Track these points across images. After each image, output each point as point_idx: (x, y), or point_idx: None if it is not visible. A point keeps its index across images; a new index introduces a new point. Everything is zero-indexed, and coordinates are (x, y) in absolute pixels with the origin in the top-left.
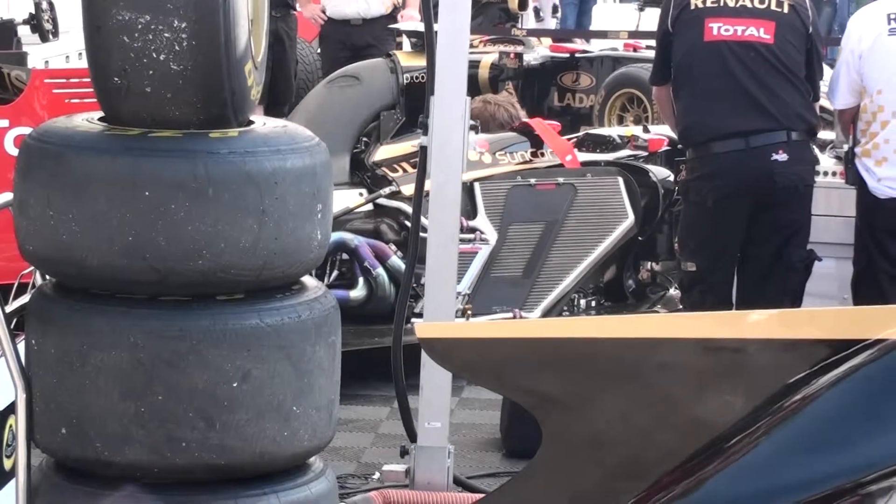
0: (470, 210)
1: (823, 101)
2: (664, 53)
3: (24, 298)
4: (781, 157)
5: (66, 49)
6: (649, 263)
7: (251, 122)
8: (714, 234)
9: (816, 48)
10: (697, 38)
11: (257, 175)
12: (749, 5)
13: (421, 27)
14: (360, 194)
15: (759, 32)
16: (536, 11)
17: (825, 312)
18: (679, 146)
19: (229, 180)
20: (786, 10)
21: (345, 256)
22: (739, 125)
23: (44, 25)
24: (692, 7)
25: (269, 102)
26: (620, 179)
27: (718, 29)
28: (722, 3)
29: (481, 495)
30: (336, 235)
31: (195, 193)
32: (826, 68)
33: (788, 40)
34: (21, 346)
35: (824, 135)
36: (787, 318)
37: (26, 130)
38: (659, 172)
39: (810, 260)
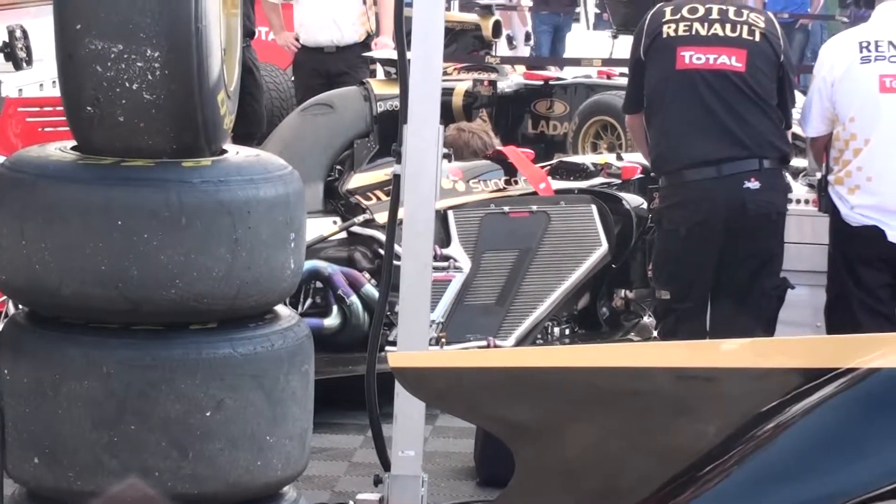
0: (444, 238)
1: (796, 129)
2: (637, 81)
3: None
4: (753, 185)
5: (40, 77)
6: (623, 291)
7: (224, 151)
8: (687, 262)
9: (788, 76)
10: (670, 67)
11: (230, 204)
12: (721, 34)
13: (394, 55)
14: (334, 222)
15: (731, 61)
16: (510, 39)
17: (798, 341)
18: (652, 174)
19: (202, 209)
20: (757, 38)
21: (319, 285)
22: (712, 153)
23: (17, 53)
24: (664, 35)
25: (240, 132)
26: (594, 207)
27: (690, 57)
28: (694, 32)
29: None
30: (310, 264)
31: (168, 222)
32: (799, 95)
33: (760, 68)
34: None
35: (797, 162)
36: (759, 347)
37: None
38: (632, 200)
39: (783, 288)
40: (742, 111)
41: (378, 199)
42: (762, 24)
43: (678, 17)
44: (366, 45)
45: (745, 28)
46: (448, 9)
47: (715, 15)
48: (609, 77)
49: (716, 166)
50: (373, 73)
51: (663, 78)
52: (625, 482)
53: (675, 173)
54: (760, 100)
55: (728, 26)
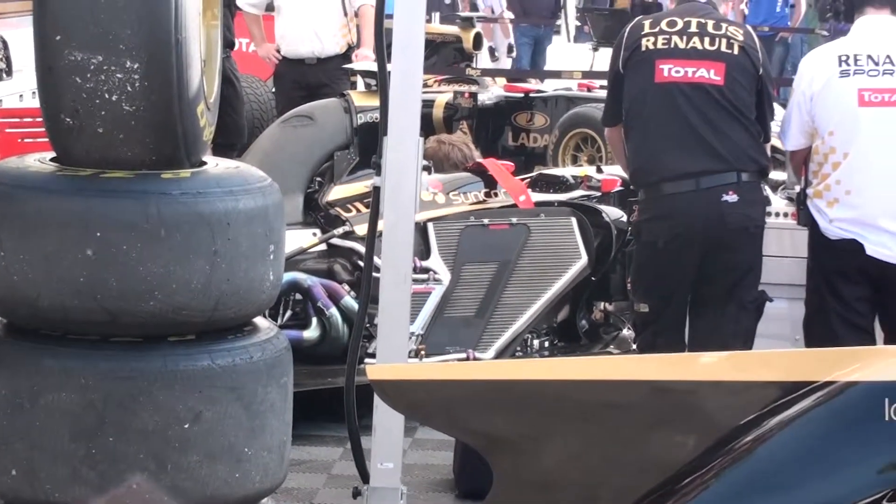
0: (423, 250)
1: (775, 142)
2: (616, 94)
3: None
4: (732, 198)
5: (20, 88)
6: (602, 304)
7: (204, 163)
8: (665, 274)
9: (767, 89)
10: (648, 80)
11: (210, 216)
12: (699, 47)
13: (375, 67)
14: (314, 234)
15: (710, 74)
16: (491, 51)
17: (776, 355)
18: (632, 187)
19: (181, 221)
20: (736, 51)
21: (298, 297)
22: (690, 166)
23: None
24: (643, 48)
25: (220, 143)
26: (574, 220)
27: (669, 70)
28: (672, 45)
29: None
30: (289, 275)
31: (147, 234)
32: (779, 109)
33: (738, 81)
34: None
35: (776, 175)
36: (738, 360)
37: None
38: (612, 213)
39: (762, 301)
40: (720, 124)
41: (358, 210)
42: (741, 38)
43: (657, 30)
44: (346, 56)
45: (724, 41)
46: (429, 21)
47: (694, 28)
48: (589, 89)
49: (694, 179)
50: (353, 85)
51: (642, 91)
52: (603, 495)
53: (653, 186)
54: (739, 113)
55: (707, 39)
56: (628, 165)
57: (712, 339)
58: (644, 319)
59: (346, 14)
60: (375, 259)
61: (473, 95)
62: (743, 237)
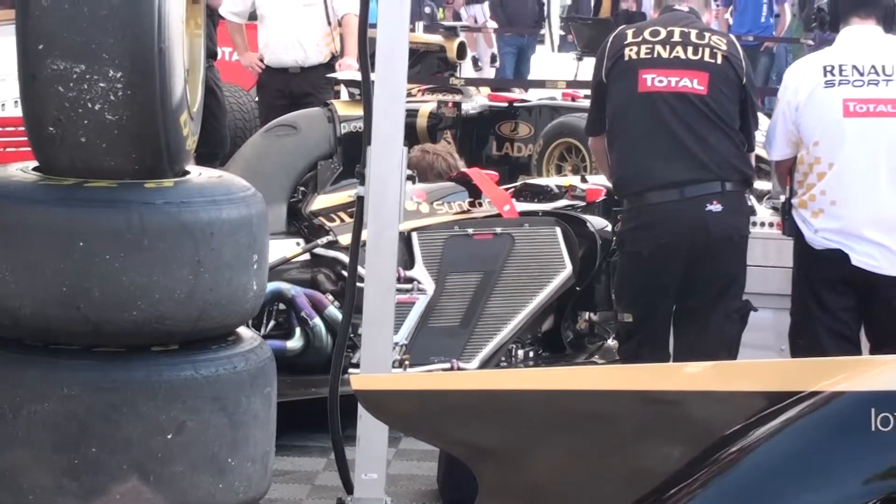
0: (407, 260)
1: (760, 151)
2: (599, 104)
3: None
4: (716, 207)
5: (3, 97)
6: (587, 314)
7: (187, 172)
8: (649, 284)
9: (751, 98)
10: (632, 89)
11: (193, 225)
12: (682, 56)
13: (359, 76)
14: (297, 244)
15: (693, 83)
16: (475, 60)
17: (761, 364)
18: (616, 196)
19: (164, 231)
20: (719, 60)
21: (281, 306)
22: (673, 176)
23: None
24: (626, 58)
25: (202, 153)
26: (558, 229)
27: (652, 80)
28: (656, 55)
29: None
30: (272, 285)
31: (130, 244)
32: (763, 118)
33: (722, 91)
34: None
35: (761, 185)
36: (723, 370)
37: None
38: (597, 223)
39: (746, 310)
40: (704, 133)
41: (341, 220)
42: (724, 47)
43: (640, 39)
44: (330, 66)
45: (707, 51)
46: (412, 30)
47: (677, 38)
48: (574, 99)
49: (678, 189)
50: (337, 95)
51: (625, 100)
52: None
53: (637, 196)
54: (722, 122)
55: (690, 49)
56: (612, 175)
57: (697, 349)
58: (628, 329)
59: (329, 23)
60: (359, 269)
61: (457, 105)
62: (727, 247)
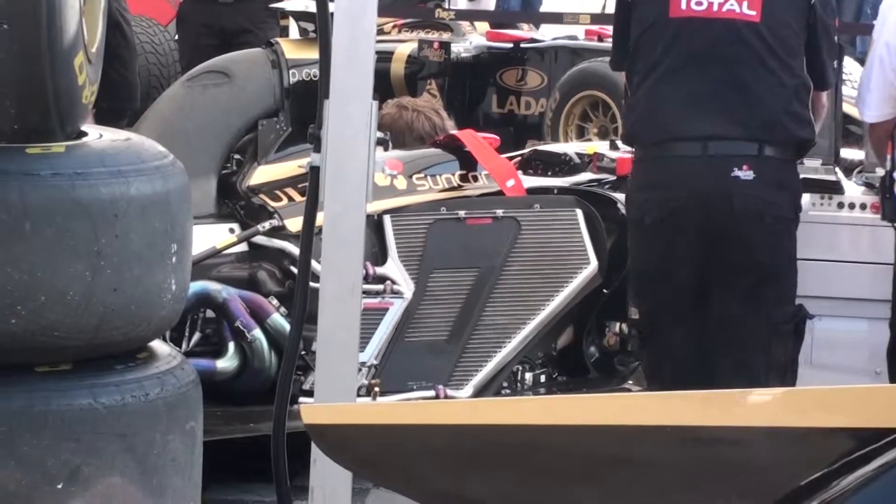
0: (378, 252)
1: (851, 110)
2: (623, 30)
3: None
4: (745, 174)
5: None
6: (617, 325)
7: (83, 134)
8: (654, 264)
9: (823, 22)
10: (661, 13)
11: (91, 205)
12: None
13: (312, 6)
14: (231, 230)
15: (742, 7)
16: None
17: (849, 392)
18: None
19: (53, 211)
20: None
21: (210, 314)
22: (698, 127)
23: None
24: None
25: (105, 108)
26: (580, 212)
27: (688, 2)
28: None
29: None
30: (197, 285)
31: (7, 229)
32: (855, 65)
33: (780, 18)
34: None
35: (851, 154)
36: (795, 399)
37: None
38: None
39: (800, 319)
40: (748, 77)
41: (290, 199)
42: None
43: None
44: None
45: None
46: None
47: None
48: (601, 38)
49: (701, 143)
50: (284, 32)
51: (651, 26)
52: None
53: (649, 147)
54: (778, 61)
55: None
56: (625, 119)
57: (737, 374)
58: (639, 332)
59: None
60: (313, 264)
61: (445, 46)
62: (755, 228)
